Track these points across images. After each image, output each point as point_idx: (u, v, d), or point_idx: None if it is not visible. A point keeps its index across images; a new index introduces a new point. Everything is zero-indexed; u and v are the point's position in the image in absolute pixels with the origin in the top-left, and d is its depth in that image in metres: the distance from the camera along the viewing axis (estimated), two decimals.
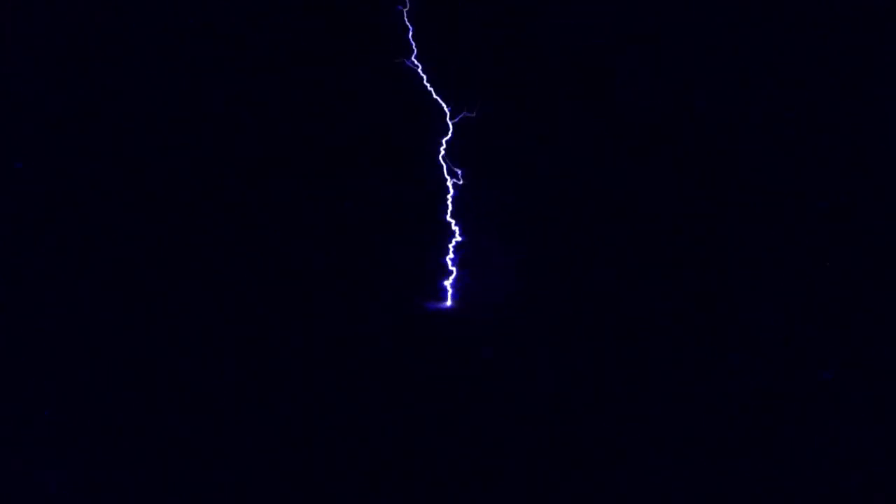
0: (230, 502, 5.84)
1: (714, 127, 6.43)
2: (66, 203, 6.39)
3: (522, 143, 6.54)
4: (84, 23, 6.43)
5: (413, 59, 6.48)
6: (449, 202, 6.49)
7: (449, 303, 6.41)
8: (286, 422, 6.08)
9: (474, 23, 6.55)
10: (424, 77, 6.49)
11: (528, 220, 6.51)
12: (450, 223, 6.47)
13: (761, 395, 6.14)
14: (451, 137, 6.48)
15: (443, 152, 6.49)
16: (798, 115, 6.38)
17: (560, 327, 6.37)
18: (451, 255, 6.45)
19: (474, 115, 6.46)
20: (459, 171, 6.29)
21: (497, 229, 6.49)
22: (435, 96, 6.50)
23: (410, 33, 6.49)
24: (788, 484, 5.88)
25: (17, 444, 5.93)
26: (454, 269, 6.44)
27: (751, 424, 6.07)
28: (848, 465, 5.92)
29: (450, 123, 6.49)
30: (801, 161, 6.35)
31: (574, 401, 6.18)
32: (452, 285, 6.43)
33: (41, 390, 6.06)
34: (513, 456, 6.01)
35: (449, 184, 6.47)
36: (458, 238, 6.45)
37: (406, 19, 6.49)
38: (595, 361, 6.28)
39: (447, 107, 6.48)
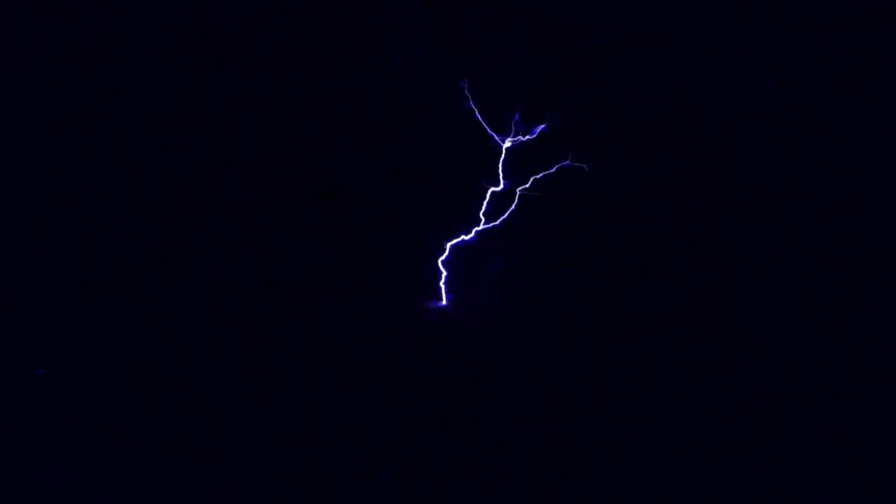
0: (230, 502, 5.84)
1: (714, 127, 6.44)
2: (66, 203, 6.39)
3: (523, 143, 6.54)
4: (84, 23, 6.43)
5: (415, 63, 6.50)
6: (449, 202, 6.49)
7: (443, 301, 6.41)
8: (286, 422, 6.08)
9: (474, 23, 6.55)
10: (426, 77, 6.50)
11: (528, 220, 6.51)
12: (449, 223, 6.47)
13: (761, 395, 6.14)
14: (452, 137, 6.48)
15: (443, 153, 6.49)
16: (798, 115, 6.38)
17: (560, 327, 6.37)
18: (449, 255, 6.45)
19: (475, 115, 6.47)
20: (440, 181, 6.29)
21: (497, 229, 6.49)
22: (436, 96, 6.51)
23: (411, 36, 6.50)
24: (788, 484, 5.89)
25: (17, 444, 5.93)
26: (453, 269, 6.44)
27: (751, 424, 6.07)
28: (848, 465, 5.92)
29: (450, 121, 6.49)
30: (801, 161, 6.36)
31: (574, 401, 6.19)
32: (451, 285, 6.43)
33: (41, 390, 6.07)
34: (513, 456, 6.01)
35: (449, 184, 6.47)
36: (457, 238, 6.45)
37: (406, 25, 6.51)
38: (595, 361, 6.28)
39: (449, 107, 6.48)
